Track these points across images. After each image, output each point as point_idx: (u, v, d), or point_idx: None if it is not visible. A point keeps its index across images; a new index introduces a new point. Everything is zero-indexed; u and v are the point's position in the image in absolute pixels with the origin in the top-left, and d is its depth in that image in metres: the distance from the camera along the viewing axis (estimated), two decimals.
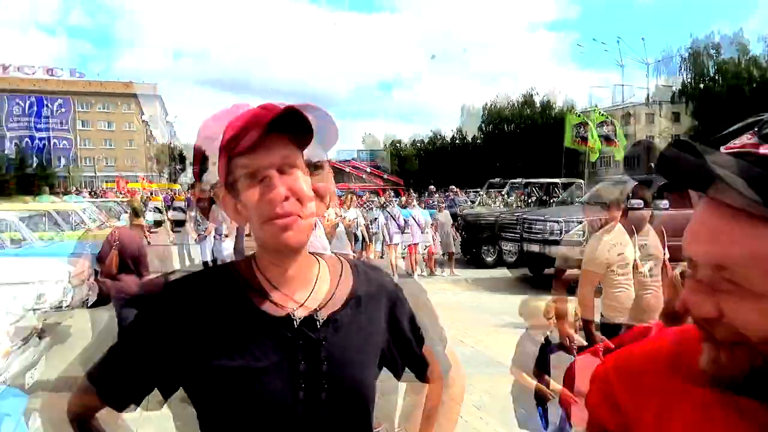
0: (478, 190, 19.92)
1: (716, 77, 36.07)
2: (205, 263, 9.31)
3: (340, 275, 1.08)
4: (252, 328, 0.97)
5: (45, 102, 73.47)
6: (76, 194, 26.65)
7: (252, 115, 0.95)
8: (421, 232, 11.35)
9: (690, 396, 0.67)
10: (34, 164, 50.33)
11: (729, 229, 0.59)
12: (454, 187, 20.84)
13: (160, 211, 21.17)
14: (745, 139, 0.61)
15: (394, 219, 11.53)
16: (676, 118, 45.32)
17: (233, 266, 1.05)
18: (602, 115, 17.90)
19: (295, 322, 0.98)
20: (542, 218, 10.21)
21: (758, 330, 0.58)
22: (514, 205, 14.36)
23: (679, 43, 53.07)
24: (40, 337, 4.82)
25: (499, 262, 12.47)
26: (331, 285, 1.05)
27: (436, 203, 15.58)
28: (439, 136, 62.71)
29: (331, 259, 1.12)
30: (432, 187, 21.85)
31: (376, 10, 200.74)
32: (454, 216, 13.00)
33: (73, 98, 75.89)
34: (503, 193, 15.96)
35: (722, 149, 0.62)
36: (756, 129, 0.62)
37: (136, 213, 5.52)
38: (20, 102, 72.61)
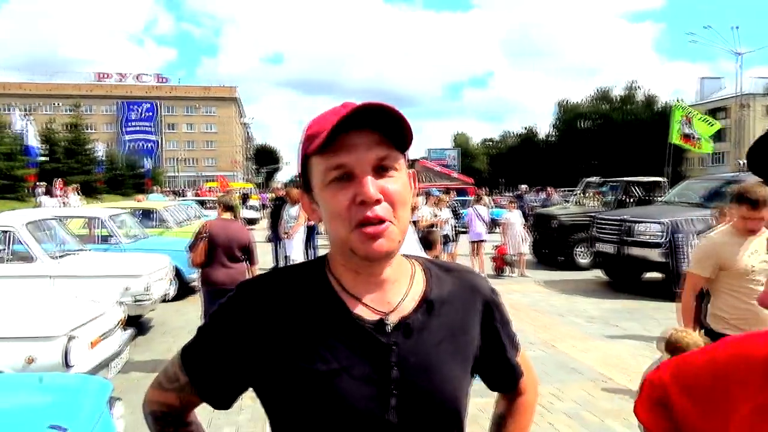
0: (573, 189, 19.11)
1: None
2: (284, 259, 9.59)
3: (412, 278, 0.99)
4: (327, 330, 0.92)
5: (155, 108, 79.33)
6: (162, 193, 28.33)
7: (333, 111, 0.90)
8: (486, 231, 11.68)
9: None
10: (145, 165, 54.38)
11: None
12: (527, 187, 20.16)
13: (256, 209, 22.09)
14: None
15: (480, 217, 11.50)
16: None
17: (327, 266, 0.99)
18: (684, 109, 16.46)
19: (367, 327, 0.92)
20: (644, 220, 9.56)
21: None
22: (613, 206, 13.58)
23: None
24: (124, 328, 5.12)
25: (576, 265, 12.08)
26: (403, 288, 0.97)
27: (525, 202, 15.09)
28: (510, 135, 61.23)
29: (402, 261, 1.00)
30: (524, 186, 21.23)
31: (461, 9, 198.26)
32: (527, 216, 12.59)
33: (179, 104, 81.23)
34: (602, 191, 15.15)
35: None
36: None
37: (225, 207, 5.75)
38: (135, 108, 79.02)
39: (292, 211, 9.17)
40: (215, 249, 5.25)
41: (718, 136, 53.33)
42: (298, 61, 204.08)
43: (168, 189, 39.03)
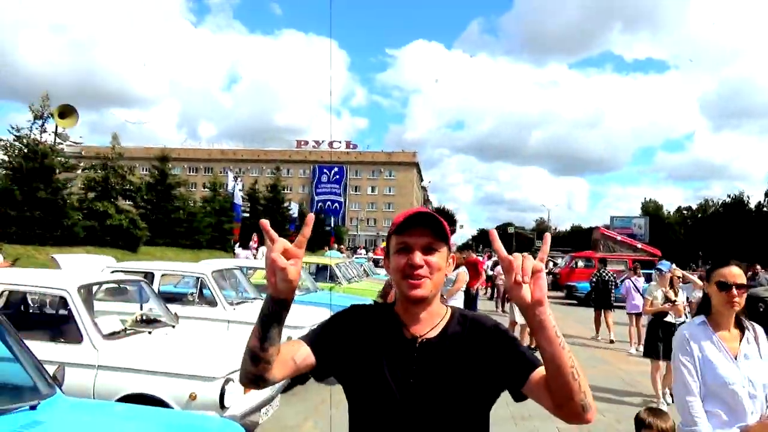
0: None
1: None
2: None
3: (443, 319, 1.56)
4: (390, 344, 1.51)
5: (344, 171, 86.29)
6: (339, 251, 29.89)
7: (410, 210, 1.53)
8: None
9: None
10: (332, 223, 58.85)
11: None
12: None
13: None
14: None
15: (637, 289, 11.26)
16: None
17: (393, 306, 1.59)
18: None
19: (417, 342, 1.51)
20: None
21: None
22: None
23: None
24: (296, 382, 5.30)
25: None
26: (435, 323, 1.54)
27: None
28: (712, 202, 54.25)
29: (440, 307, 1.57)
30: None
31: (657, 71, 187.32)
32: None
33: (364, 168, 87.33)
34: None
35: None
36: None
37: None
38: (327, 171, 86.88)
39: (450, 275, 9.10)
40: None
41: None
42: (478, 127, 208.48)
43: (344, 246, 41.50)
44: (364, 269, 15.26)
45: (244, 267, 9.37)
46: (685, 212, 61.05)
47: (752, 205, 52.45)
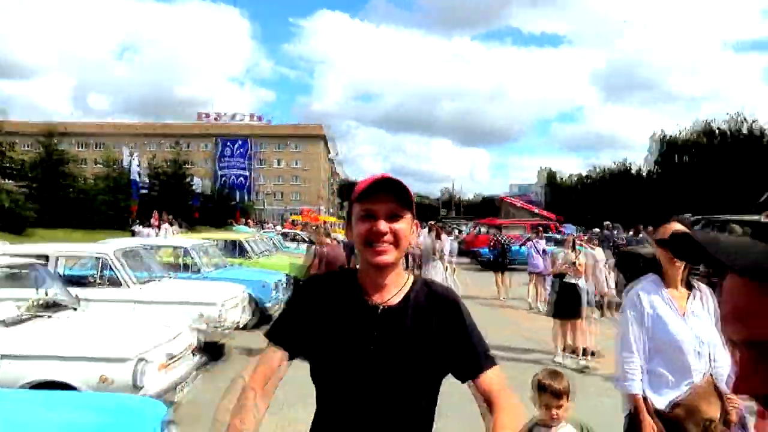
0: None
1: None
2: None
3: (410, 286, 1.57)
4: (352, 312, 1.52)
5: (248, 145, 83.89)
6: (247, 225, 29.34)
7: (371, 180, 1.49)
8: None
9: None
10: (237, 198, 57.30)
11: (756, 305, 0.58)
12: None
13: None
14: None
15: (539, 251, 11.93)
16: None
17: (351, 270, 1.62)
18: None
19: (378, 309, 1.51)
20: None
21: None
22: None
23: None
24: (194, 353, 5.26)
25: None
26: (409, 292, 1.55)
27: (611, 240, 14.36)
28: (600, 169, 58.88)
29: (402, 273, 1.59)
30: (607, 223, 20.17)
31: (552, 45, 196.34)
32: (614, 254, 11.96)
33: (270, 141, 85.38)
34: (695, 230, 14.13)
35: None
36: None
37: (327, 234, 7.85)
38: (230, 145, 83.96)
39: None
40: (326, 265, 7.14)
41: None
42: (386, 100, 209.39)
43: (253, 221, 40.66)
44: (273, 243, 15.12)
45: (148, 245, 9.01)
46: (577, 179, 65.25)
47: (634, 171, 57.04)
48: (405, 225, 1.50)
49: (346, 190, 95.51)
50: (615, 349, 2.69)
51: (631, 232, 18.35)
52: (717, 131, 48.46)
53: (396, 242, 1.48)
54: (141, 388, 4.23)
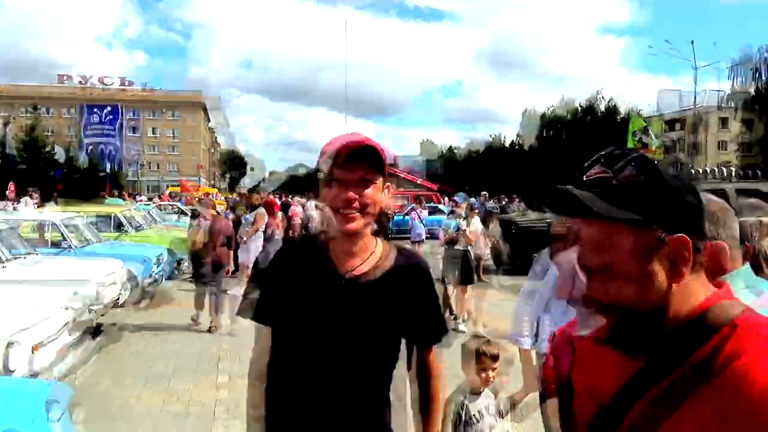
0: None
1: None
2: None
3: (381, 254, 1.54)
4: (320, 279, 1.49)
5: (119, 111, 77.69)
6: (121, 197, 27.59)
7: (344, 143, 1.43)
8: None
9: (597, 351, 0.95)
10: (107, 168, 53.25)
11: (595, 233, 0.86)
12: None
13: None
14: (597, 169, 0.88)
15: (421, 220, 12.68)
16: (749, 125, 42.69)
17: (322, 236, 1.58)
18: (644, 120, 17.20)
19: (343, 279, 1.48)
20: None
21: (614, 297, 0.85)
22: None
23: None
24: (93, 336, 5.05)
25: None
26: (378, 259, 1.53)
27: (484, 209, 15.33)
28: (476, 142, 62.46)
29: (370, 239, 1.55)
30: (485, 193, 21.50)
31: (436, 20, 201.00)
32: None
33: (144, 108, 79.78)
34: None
35: (584, 177, 0.88)
36: (603, 161, 0.88)
37: (212, 206, 7.93)
38: (97, 111, 77.21)
39: (249, 217, 9.21)
40: (210, 237, 7.26)
41: (676, 147, 55.14)
42: (269, 68, 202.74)
43: (127, 193, 38.14)
44: (152, 216, 14.39)
45: (11, 220, 8.23)
46: (456, 151, 68.14)
47: (507, 144, 60.67)
48: (375, 191, 1.46)
49: (229, 160, 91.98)
50: (517, 303, 2.91)
51: (503, 201, 19.67)
52: (579, 108, 52.80)
53: (364, 209, 1.45)
54: (12, 372, 3.98)
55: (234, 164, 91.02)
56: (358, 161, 1.43)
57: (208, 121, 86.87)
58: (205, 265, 7.37)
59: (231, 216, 10.13)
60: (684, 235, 0.84)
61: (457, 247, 8.03)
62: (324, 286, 1.48)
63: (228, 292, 8.76)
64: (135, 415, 4.57)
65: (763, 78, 34.51)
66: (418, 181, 31.12)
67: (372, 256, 1.53)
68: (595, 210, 0.83)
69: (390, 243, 1.61)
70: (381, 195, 1.49)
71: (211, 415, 4.49)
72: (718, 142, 52.41)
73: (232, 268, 8.52)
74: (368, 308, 1.47)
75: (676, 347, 0.85)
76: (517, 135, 59.74)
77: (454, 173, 58.54)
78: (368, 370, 1.47)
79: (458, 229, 8.05)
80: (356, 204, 1.43)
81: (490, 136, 64.38)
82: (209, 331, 7.22)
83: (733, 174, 12.39)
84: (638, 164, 0.86)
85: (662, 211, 0.84)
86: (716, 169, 13.85)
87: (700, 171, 13.91)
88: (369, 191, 1.45)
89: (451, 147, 71.44)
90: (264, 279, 1.60)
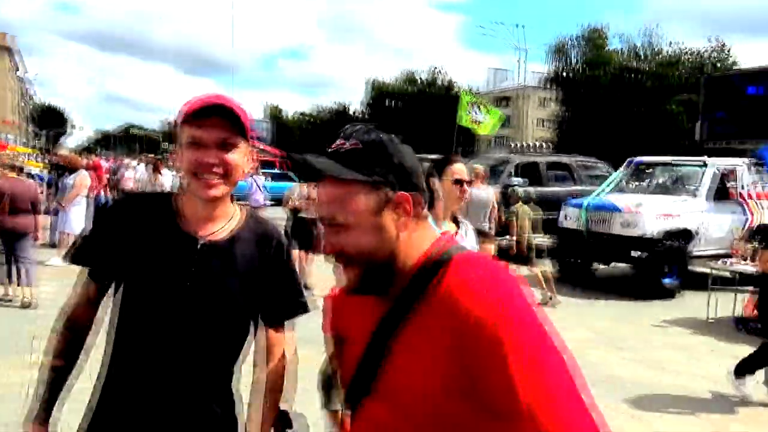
0: None
1: (580, 67, 38.30)
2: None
3: (239, 221, 1.46)
4: (171, 243, 1.39)
5: None
6: None
7: (202, 101, 1.34)
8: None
9: (351, 302, 1.11)
10: None
11: (334, 194, 1.00)
12: None
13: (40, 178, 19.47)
14: (339, 141, 1.02)
15: (259, 186, 12.78)
16: (542, 103, 48.03)
17: (175, 197, 1.46)
18: (472, 97, 18.66)
19: (198, 243, 1.39)
20: None
21: (354, 248, 1.00)
22: None
23: (570, 31, 56.11)
24: None
25: None
26: (236, 226, 1.45)
27: None
28: (322, 109, 62.94)
29: (229, 206, 1.47)
30: None
31: None
32: None
33: None
34: None
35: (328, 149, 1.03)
36: (342, 134, 1.03)
37: (11, 168, 7.19)
38: None
39: (68, 180, 8.38)
40: (8, 202, 6.49)
41: (504, 122, 60.24)
42: (95, 13, 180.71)
43: None
44: None
45: None
46: (303, 116, 67.42)
47: (351, 112, 61.44)
48: (237, 155, 1.37)
49: (47, 116, 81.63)
50: None
51: None
52: (419, 81, 55.08)
53: (226, 174, 1.36)
54: None
55: (54, 121, 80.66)
56: (220, 120, 1.34)
57: (17, 69, 75.57)
58: (3, 234, 6.66)
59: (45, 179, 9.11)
60: (405, 192, 1.00)
61: (300, 215, 8.04)
62: (177, 247, 1.38)
63: (47, 263, 7.96)
64: None
65: (574, 62, 38.76)
66: (262, 147, 30.42)
67: (229, 222, 1.44)
68: (328, 174, 0.99)
69: (246, 210, 1.52)
70: (243, 161, 1.39)
71: (24, 397, 4.12)
72: (538, 120, 58.25)
73: (40, 235, 7.65)
74: (225, 275, 1.40)
75: (412, 286, 0.99)
76: (364, 104, 60.75)
77: (305, 140, 58.11)
78: (218, 341, 1.41)
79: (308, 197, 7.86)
80: (217, 169, 1.34)
81: (335, 103, 64.72)
82: (25, 307, 6.55)
83: (545, 149, 13.99)
84: (364, 134, 1.02)
85: (385, 172, 0.99)
86: (535, 144, 15.54)
87: (521, 145, 15.47)
88: (231, 156, 1.35)
89: (296, 112, 70.52)
90: (98, 224, 1.49)
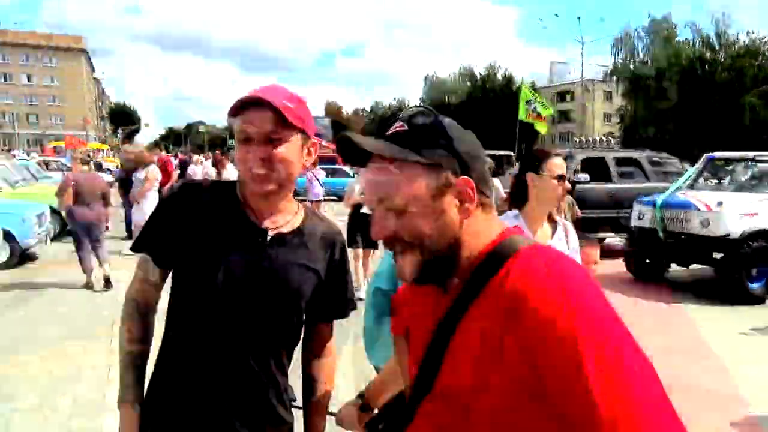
0: None
1: (646, 60, 36.67)
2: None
3: (295, 215, 1.45)
4: (239, 233, 1.37)
5: None
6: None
7: (249, 95, 1.31)
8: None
9: (414, 297, 1.09)
10: None
11: (390, 176, 0.94)
12: None
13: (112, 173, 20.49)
14: (397, 125, 0.96)
15: (318, 180, 12.72)
16: (608, 97, 46.27)
17: (238, 186, 1.43)
18: (531, 92, 18.20)
19: (265, 235, 1.38)
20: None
21: (411, 233, 0.94)
22: None
23: (637, 23, 53.95)
24: None
25: None
26: (299, 222, 1.44)
27: None
28: (381, 105, 62.98)
29: (292, 202, 1.46)
30: None
31: None
32: None
33: (12, 51, 71.81)
34: None
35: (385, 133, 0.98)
36: (400, 116, 0.98)
37: (82, 161, 7.55)
38: None
39: (139, 175, 8.76)
40: (77, 195, 6.93)
41: (566, 117, 58.60)
42: (158, 14, 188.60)
43: (3, 148, 34.59)
44: (30, 172, 13.21)
45: None
46: (361, 113, 68.13)
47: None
48: (286, 149, 1.32)
49: (120, 114, 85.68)
50: None
51: None
52: (479, 76, 54.41)
53: (274, 169, 1.32)
54: None
55: (125, 119, 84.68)
56: (263, 114, 1.29)
57: (93, 70, 79.80)
58: (76, 224, 7.07)
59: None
60: (467, 177, 0.94)
61: (363, 210, 7.86)
62: (245, 236, 1.37)
63: (122, 252, 8.36)
64: (26, 379, 4.35)
65: (640, 55, 37.24)
66: (323, 143, 30.84)
67: (293, 217, 1.44)
68: (386, 155, 0.94)
69: (305, 206, 1.52)
70: (296, 155, 1.35)
71: (105, 379, 4.34)
72: (603, 114, 56.34)
73: (111, 226, 8.17)
74: (291, 267, 1.39)
75: (475, 279, 0.93)
76: (421, 99, 60.65)
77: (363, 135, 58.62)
78: (278, 332, 1.41)
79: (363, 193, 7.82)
80: (265, 164, 1.30)
81: (395, 99, 64.93)
82: (106, 281, 7.05)
83: (613, 143, 13.46)
84: (424, 117, 0.97)
85: (446, 155, 0.94)
86: (601, 139, 15.01)
87: (585, 140, 14.95)
88: (279, 150, 1.31)
89: (357, 110, 71.25)
90: (159, 211, 1.44)
